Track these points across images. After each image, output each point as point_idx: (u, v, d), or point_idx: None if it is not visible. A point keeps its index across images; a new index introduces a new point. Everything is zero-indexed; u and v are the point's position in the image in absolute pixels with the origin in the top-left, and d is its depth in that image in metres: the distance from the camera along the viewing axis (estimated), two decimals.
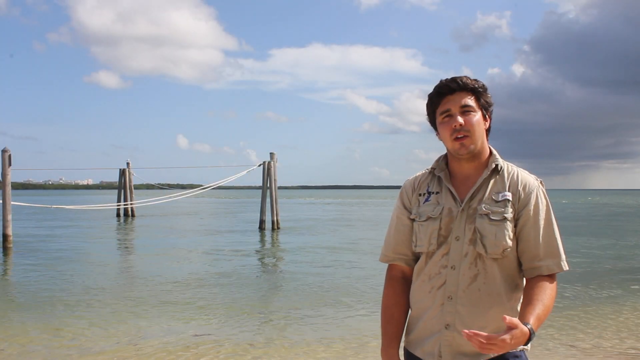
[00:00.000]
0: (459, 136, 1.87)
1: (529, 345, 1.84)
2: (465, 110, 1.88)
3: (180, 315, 8.16)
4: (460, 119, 1.87)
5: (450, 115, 1.89)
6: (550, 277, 1.86)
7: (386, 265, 2.09)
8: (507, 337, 1.60)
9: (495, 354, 1.76)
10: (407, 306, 2.02)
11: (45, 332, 7.24)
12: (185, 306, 8.87)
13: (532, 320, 1.70)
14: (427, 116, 2.00)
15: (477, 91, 1.91)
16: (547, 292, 1.81)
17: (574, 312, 8.09)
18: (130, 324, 7.65)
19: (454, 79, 1.89)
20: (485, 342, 1.59)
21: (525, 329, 1.64)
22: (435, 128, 1.98)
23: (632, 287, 10.36)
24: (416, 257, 1.99)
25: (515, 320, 1.62)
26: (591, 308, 8.43)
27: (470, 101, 1.89)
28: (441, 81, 1.92)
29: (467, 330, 1.63)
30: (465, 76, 1.91)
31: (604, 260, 14.31)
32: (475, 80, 1.92)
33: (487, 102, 1.94)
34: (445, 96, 1.90)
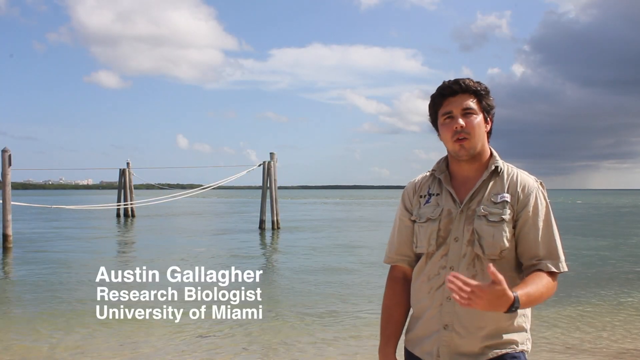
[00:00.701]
0: (460, 138, 1.89)
1: (528, 346, 1.87)
2: (467, 113, 1.90)
3: (181, 316, 8.16)
4: (461, 121, 1.88)
5: (452, 117, 1.91)
6: (550, 274, 1.85)
7: (386, 265, 2.12)
8: (486, 288, 1.56)
9: (480, 307, 1.66)
10: (407, 307, 2.04)
11: (45, 332, 7.24)
12: (185, 307, 8.87)
13: (520, 291, 1.67)
14: (429, 116, 2.02)
15: (479, 94, 1.92)
16: (544, 280, 1.79)
17: (573, 312, 8.09)
18: (132, 325, 7.65)
19: (456, 81, 1.91)
20: (463, 290, 1.56)
21: (510, 293, 1.60)
22: (437, 128, 1.99)
23: (631, 287, 10.36)
24: (418, 259, 2.01)
25: (501, 276, 1.57)
26: (591, 308, 8.43)
27: (472, 104, 1.91)
28: (444, 82, 1.94)
29: (451, 277, 1.60)
30: (467, 78, 1.92)
31: (602, 261, 14.32)
32: (478, 82, 1.93)
33: (488, 104, 1.95)
34: (447, 98, 1.92)
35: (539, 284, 1.76)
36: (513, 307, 1.62)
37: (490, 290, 1.57)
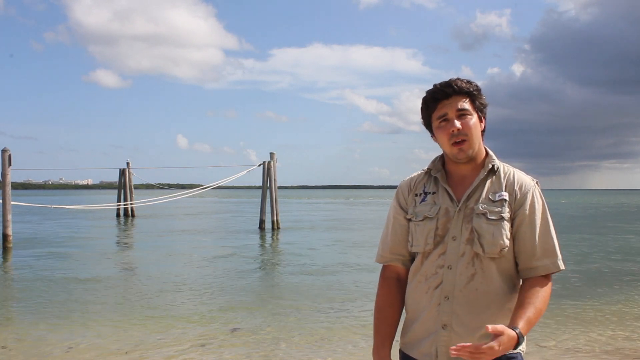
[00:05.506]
0: (457, 141, 1.88)
1: (523, 346, 1.85)
2: (462, 114, 1.90)
3: (181, 316, 8.16)
4: (457, 124, 1.88)
5: (447, 120, 1.90)
6: (546, 278, 1.87)
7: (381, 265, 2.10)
8: (494, 344, 1.62)
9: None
10: (401, 307, 2.02)
11: (44, 332, 7.23)
12: (185, 307, 8.87)
13: (521, 324, 1.72)
14: (421, 119, 2.01)
15: (472, 94, 1.92)
16: (540, 294, 1.82)
17: (569, 311, 8.09)
18: (131, 324, 7.65)
19: (449, 84, 1.90)
20: (474, 351, 1.61)
21: (512, 333, 1.66)
22: (431, 130, 1.99)
23: (628, 286, 10.37)
24: (412, 258, 2.00)
25: (500, 326, 1.64)
26: (588, 307, 8.43)
27: (466, 104, 1.91)
28: (435, 86, 1.93)
29: (453, 346, 1.65)
30: (459, 79, 1.92)
31: (598, 260, 14.32)
32: (469, 82, 1.93)
33: (481, 103, 1.95)
34: (440, 101, 1.91)
35: (535, 302, 1.79)
36: (519, 343, 1.70)
37: (497, 343, 1.63)
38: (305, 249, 17.41)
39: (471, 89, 1.91)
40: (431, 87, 1.95)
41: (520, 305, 1.79)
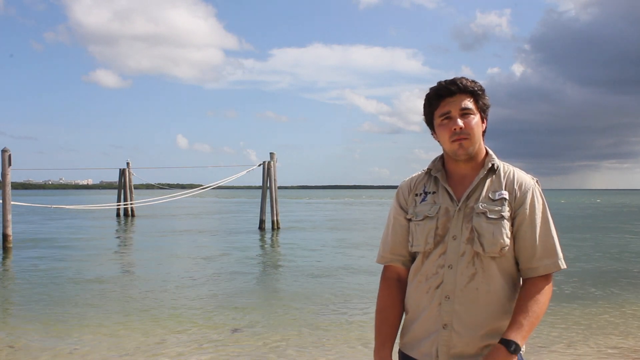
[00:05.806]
0: (459, 138, 1.88)
1: (523, 346, 1.85)
2: (465, 113, 1.89)
3: (180, 317, 8.15)
4: (460, 122, 1.88)
5: (450, 118, 1.90)
6: (546, 278, 1.87)
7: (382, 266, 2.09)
8: None
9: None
10: (402, 308, 2.02)
11: (43, 332, 7.22)
12: (185, 308, 8.87)
13: (514, 334, 1.79)
14: (423, 116, 2.01)
15: (476, 94, 1.92)
16: (539, 296, 1.84)
17: (570, 311, 8.08)
18: (131, 325, 7.65)
19: (453, 82, 1.90)
20: None
21: (503, 355, 1.77)
22: (432, 128, 1.99)
23: (631, 286, 10.37)
24: (412, 258, 1.99)
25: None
26: (587, 307, 8.43)
27: (470, 103, 1.90)
28: (440, 83, 1.92)
29: None
30: (464, 78, 1.92)
31: (598, 260, 14.32)
32: (474, 82, 1.93)
33: (485, 103, 1.95)
34: (444, 98, 1.91)
35: (532, 306, 1.82)
36: (515, 351, 1.78)
37: None
38: (306, 249, 17.41)
39: (476, 89, 1.91)
40: (433, 85, 1.94)
41: (517, 312, 1.82)
